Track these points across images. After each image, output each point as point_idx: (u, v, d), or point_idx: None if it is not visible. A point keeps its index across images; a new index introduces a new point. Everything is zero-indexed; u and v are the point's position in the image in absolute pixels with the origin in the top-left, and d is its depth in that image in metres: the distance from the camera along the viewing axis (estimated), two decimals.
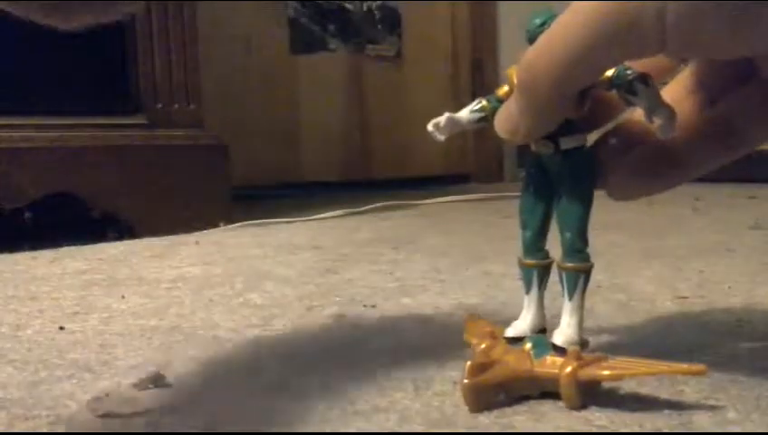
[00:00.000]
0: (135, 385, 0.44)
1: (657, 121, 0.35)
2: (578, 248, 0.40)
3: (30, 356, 0.53)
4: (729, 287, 0.68)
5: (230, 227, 1.31)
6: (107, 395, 0.43)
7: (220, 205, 1.37)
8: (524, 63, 0.35)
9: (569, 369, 0.38)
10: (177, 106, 1.37)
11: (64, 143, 1.23)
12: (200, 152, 1.38)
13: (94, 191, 1.25)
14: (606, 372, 0.37)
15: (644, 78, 0.36)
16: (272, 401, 0.42)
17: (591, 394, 0.39)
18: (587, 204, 0.39)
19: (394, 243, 1.06)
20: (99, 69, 1.32)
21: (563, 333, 0.40)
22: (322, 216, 1.44)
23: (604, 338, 0.51)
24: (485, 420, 0.37)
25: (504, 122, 0.38)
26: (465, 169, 2.66)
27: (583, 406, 0.38)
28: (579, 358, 0.38)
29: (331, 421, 0.38)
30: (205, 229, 1.27)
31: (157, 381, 0.45)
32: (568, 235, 0.39)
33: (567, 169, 0.39)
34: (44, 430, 0.38)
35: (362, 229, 1.25)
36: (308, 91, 2.30)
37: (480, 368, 0.39)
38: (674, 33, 0.30)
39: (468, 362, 0.39)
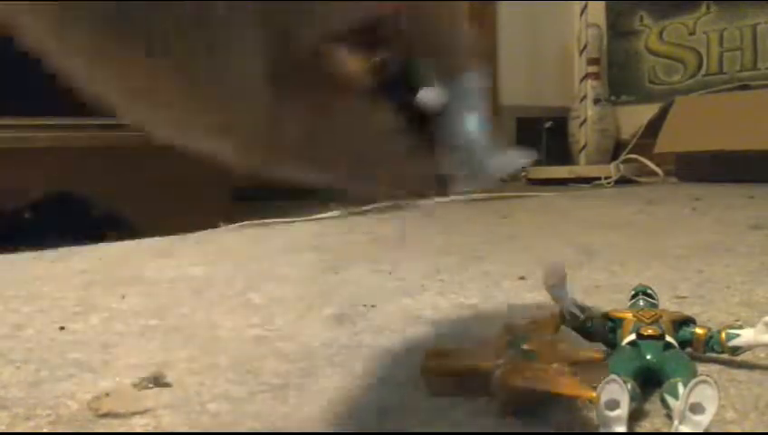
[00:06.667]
0: (135, 385, 0.44)
1: None
2: None
3: (31, 356, 0.53)
4: (728, 287, 0.68)
5: (230, 227, 1.31)
6: (107, 395, 0.43)
7: (220, 205, 1.37)
8: None
9: (498, 372, 0.38)
10: None
11: (64, 143, 1.23)
12: None
13: (94, 191, 1.25)
14: (519, 381, 0.37)
15: None
16: (272, 401, 0.42)
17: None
18: None
19: (394, 243, 1.06)
20: None
21: None
22: (323, 216, 1.44)
23: None
24: (487, 420, 0.37)
25: None
26: None
27: (515, 412, 0.37)
28: (515, 363, 0.38)
29: (331, 421, 0.38)
30: (205, 229, 1.27)
31: (157, 380, 0.45)
32: None
33: None
34: (45, 430, 0.39)
35: (362, 229, 1.25)
36: None
37: (437, 354, 0.42)
38: None
39: (428, 349, 0.42)
